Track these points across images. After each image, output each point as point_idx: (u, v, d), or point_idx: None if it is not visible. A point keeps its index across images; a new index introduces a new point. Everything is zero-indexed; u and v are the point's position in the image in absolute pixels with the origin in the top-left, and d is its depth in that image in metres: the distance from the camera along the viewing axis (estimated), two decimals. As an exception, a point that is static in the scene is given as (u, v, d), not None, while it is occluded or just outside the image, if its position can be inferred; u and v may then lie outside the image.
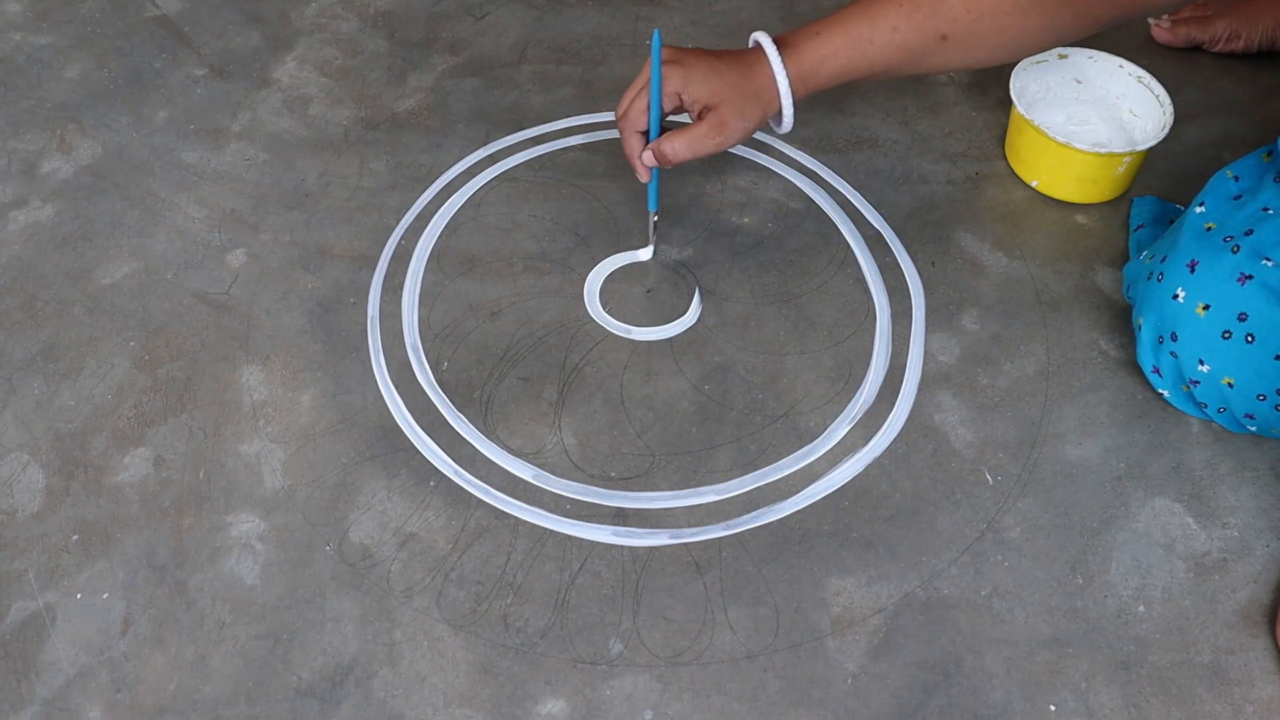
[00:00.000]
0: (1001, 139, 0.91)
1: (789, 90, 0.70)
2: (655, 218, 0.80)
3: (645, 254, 0.83)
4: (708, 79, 0.70)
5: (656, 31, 0.70)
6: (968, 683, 0.61)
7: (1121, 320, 0.78)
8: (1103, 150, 0.81)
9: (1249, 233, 0.67)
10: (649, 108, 0.72)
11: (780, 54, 0.70)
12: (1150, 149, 0.83)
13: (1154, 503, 0.69)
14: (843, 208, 0.87)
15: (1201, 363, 0.68)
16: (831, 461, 0.71)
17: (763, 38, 0.71)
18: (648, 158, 0.74)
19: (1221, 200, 0.71)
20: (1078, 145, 0.81)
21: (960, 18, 0.67)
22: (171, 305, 0.80)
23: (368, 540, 0.67)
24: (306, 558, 0.67)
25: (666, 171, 0.83)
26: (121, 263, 0.83)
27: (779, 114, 0.73)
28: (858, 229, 0.85)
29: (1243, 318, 0.66)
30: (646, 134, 0.74)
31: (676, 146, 0.72)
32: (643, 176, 0.76)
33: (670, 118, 0.76)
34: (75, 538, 0.67)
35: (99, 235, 0.85)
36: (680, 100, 0.72)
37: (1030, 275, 0.82)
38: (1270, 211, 0.67)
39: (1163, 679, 0.62)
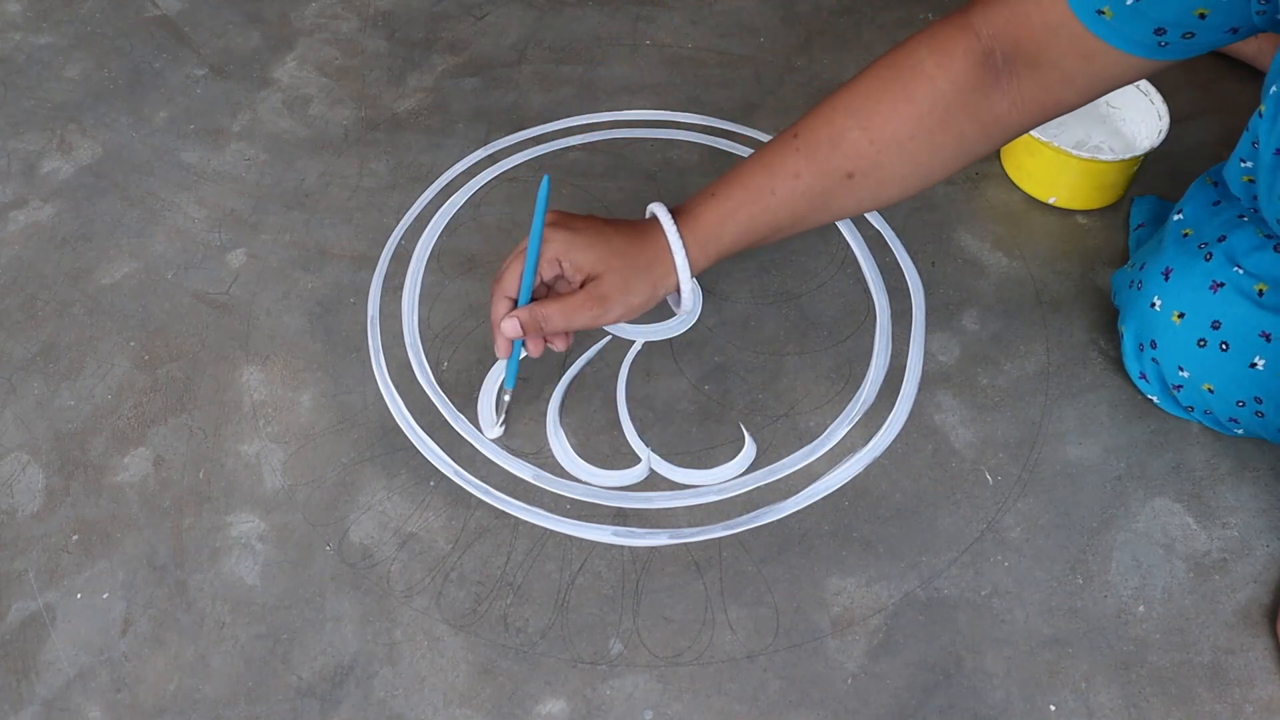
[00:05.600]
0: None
1: (685, 263, 0.63)
2: (508, 395, 0.70)
3: (491, 432, 0.71)
4: (593, 245, 0.63)
5: (546, 178, 0.63)
6: (968, 683, 0.61)
7: (1121, 320, 0.78)
8: (1125, 155, 0.81)
9: (1222, 239, 0.66)
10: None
11: (676, 223, 0.63)
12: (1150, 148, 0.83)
13: (1154, 503, 0.69)
14: (843, 208, 0.87)
15: (1181, 369, 0.68)
16: (831, 461, 0.71)
17: (658, 208, 0.64)
18: (509, 325, 0.63)
19: (1200, 207, 0.71)
20: (1103, 157, 0.81)
21: (864, 151, 0.60)
22: (171, 305, 0.80)
23: (368, 540, 0.67)
24: (306, 558, 0.67)
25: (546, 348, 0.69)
26: (121, 263, 0.83)
27: (676, 290, 0.65)
28: (858, 229, 0.85)
29: (1216, 325, 0.65)
30: (517, 301, 0.64)
31: (549, 313, 0.62)
32: (500, 351, 0.65)
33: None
34: (75, 538, 0.67)
35: (99, 235, 0.85)
36: (560, 268, 0.64)
37: (1030, 275, 0.82)
38: (1245, 218, 0.67)
39: (1163, 679, 0.62)
